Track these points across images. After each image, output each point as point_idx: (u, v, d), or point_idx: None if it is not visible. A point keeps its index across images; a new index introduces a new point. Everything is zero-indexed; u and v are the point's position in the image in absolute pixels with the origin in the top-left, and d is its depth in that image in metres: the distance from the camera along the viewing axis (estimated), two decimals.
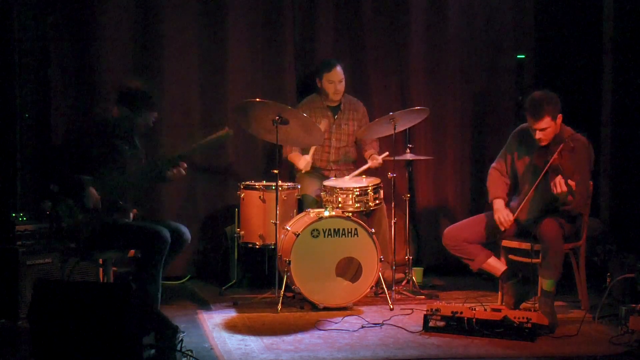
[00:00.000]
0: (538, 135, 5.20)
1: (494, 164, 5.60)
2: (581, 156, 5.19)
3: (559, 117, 5.20)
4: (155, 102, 5.22)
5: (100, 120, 5.21)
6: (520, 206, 5.25)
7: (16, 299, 5.20)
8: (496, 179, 5.52)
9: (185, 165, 5.19)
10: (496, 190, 5.47)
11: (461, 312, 4.85)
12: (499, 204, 5.39)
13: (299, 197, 6.00)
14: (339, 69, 6.27)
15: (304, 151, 6.23)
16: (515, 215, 5.27)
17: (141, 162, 5.20)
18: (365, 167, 6.12)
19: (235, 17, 6.47)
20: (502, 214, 5.31)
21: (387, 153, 6.15)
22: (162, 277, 5.03)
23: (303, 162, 6.17)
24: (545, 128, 5.17)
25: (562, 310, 5.42)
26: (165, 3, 6.32)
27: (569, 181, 4.96)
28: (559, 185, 4.96)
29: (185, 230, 5.18)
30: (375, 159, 6.15)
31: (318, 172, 6.35)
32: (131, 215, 5.15)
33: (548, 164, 5.07)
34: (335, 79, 6.26)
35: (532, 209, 5.28)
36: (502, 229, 5.31)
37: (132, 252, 5.16)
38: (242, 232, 5.88)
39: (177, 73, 6.38)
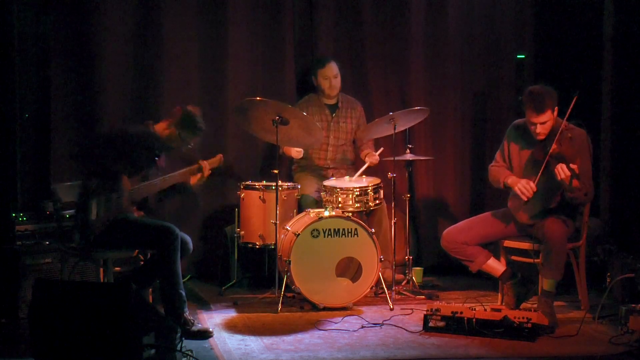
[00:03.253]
0: (539, 129, 5.17)
1: (492, 163, 5.59)
2: (581, 145, 5.18)
3: (556, 109, 5.20)
4: (200, 128, 5.27)
5: (151, 130, 5.24)
6: (538, 175, 5.16)
7: (16, 299, 5.20)
8: (498, 169, 5.48)
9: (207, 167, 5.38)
10: (504, 173, 5.41)
11: (461, 312, 4.85)
12: (513, 178, 5.30)
13: (298, 197, 6.01)
14: (332, 64, 6.27)
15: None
16: (535, 181, 5.15)
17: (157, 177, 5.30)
18: (365, 167, 6.12)
19: (235, 17, 6.47)
20: (522, 182, 5.19)
21: (382, 149, 6.17)
22: None
23: (293, 151, 6.18)
24: (546, 122, 5.16)
25: (562, 310, 5.42)
26: (166, 3, 6.32)
27: (571, 165, 4.96)
28: (562, 170, 4.96)
29: (188, 239, 5.17)
30: (373, 156, 6.16)
31: (316, 171, 6.35)
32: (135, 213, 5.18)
33: (548, 154, 5.07)
34: (330, 74, 6.26)
35: (536, 202, 5.24)
36: (525, 198, 5.17)
37: (136, 251, 5.17)
38: (242, 232, 5.88)
39: (177, 73, 6.38)
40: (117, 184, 4.98)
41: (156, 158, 5.22)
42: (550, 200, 5.25)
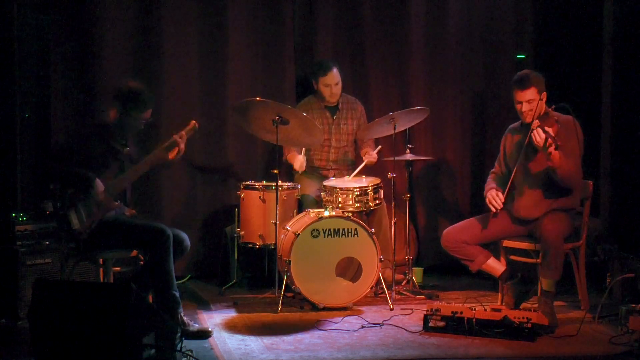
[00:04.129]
0: (524, 107, 5.20)
1: (492, 169, 5.62)
2: (567, 128, 5.19)
3: (544, 94, 5.20)
4: (147, 101, 5.09)
5: (100, 123, 5.19)
6: (510, 180, 5.20)
7: (16, 299, 5.20)
8: (491, 181, 5.54)
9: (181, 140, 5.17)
10: (488, 186, 5.48)
11: (461, 312, 4.85)
12: (490, 192, 5.37)
13: (298, 197, 6.00)
14: (335, 71, 6.21)
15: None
16: (505, 193, 5.22)
17: (135, 161, 5.19)
18: (362, 165, 6.11)
19: (235, 17, 6.48)
20: (492, 193, 5.29)
21: (380, 147, 6.16)
22: None
23: (297, 162, 6.16)
24: (531, 100, 5.17)
25: (562, 310, 5.42)
26: (165, 3, 6.33)
27: (546, 127, 4.97)
28: (537, 134, 4.98)
29: (185, 237, 5.13)
30: (370, 155, 6.15)
31: (317, 172, 6.35)
32: (127, 213, 5.15)
33: (530, 129, 5.08)
34: (331, 83, 6.22)
35: (522, 185, 5.27)
36: (494, 209, 5.26)
37: (134, 252, 5.16)
38: (242, 232, 5.88)
39: (177, 73, 6.38)
40: (89, 185, 4.90)
41: (126, 148, 5.12)
42: (537, 180, 5.25)
